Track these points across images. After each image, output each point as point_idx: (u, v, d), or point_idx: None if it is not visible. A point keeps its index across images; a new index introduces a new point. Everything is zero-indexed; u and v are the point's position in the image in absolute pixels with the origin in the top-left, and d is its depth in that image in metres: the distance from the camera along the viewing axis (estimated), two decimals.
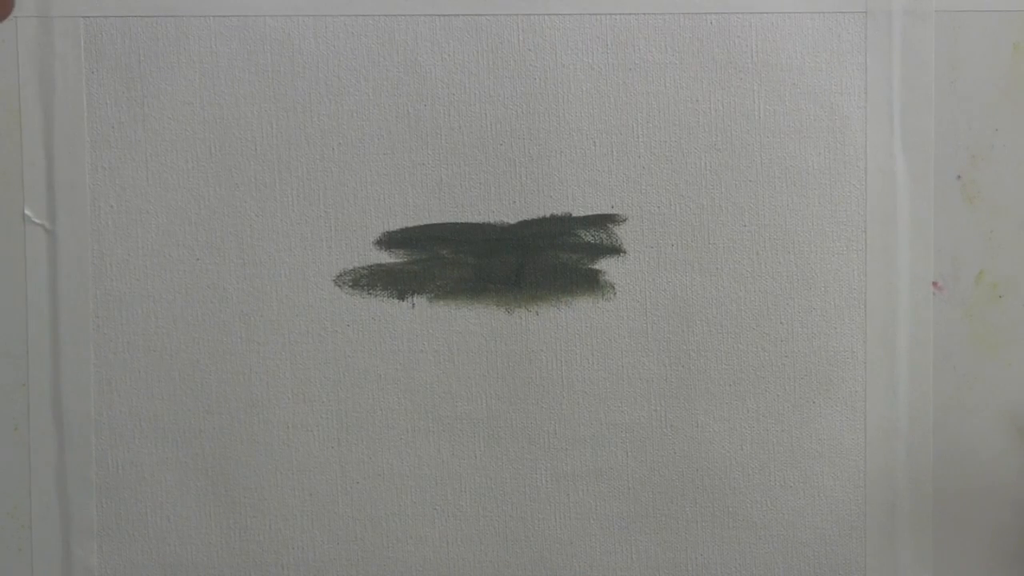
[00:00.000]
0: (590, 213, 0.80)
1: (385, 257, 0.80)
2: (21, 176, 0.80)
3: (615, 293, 0.80)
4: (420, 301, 0.80)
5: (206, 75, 0.79)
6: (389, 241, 0.80)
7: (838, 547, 0.81)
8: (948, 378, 0.81)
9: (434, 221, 0.80)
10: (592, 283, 0.80)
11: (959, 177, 0.80)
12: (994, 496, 0.81)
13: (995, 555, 0.82)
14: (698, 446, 0.81)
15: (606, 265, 0.80)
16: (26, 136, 0.79)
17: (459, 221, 0.80)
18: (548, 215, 0.80)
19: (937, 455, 0.81)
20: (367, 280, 0.80)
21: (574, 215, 0.80)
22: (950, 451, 0.81)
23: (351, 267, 0.80)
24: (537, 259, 0.80)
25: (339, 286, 0.80)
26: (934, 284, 0.80)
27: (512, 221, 0.80)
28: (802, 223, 0.80)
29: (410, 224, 0.80)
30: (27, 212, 0.80)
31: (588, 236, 0.80)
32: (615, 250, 0.80)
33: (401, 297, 0.80)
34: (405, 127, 0.80)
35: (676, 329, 0.81)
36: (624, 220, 0.80)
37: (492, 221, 0.80)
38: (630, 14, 0.79)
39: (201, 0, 0.79)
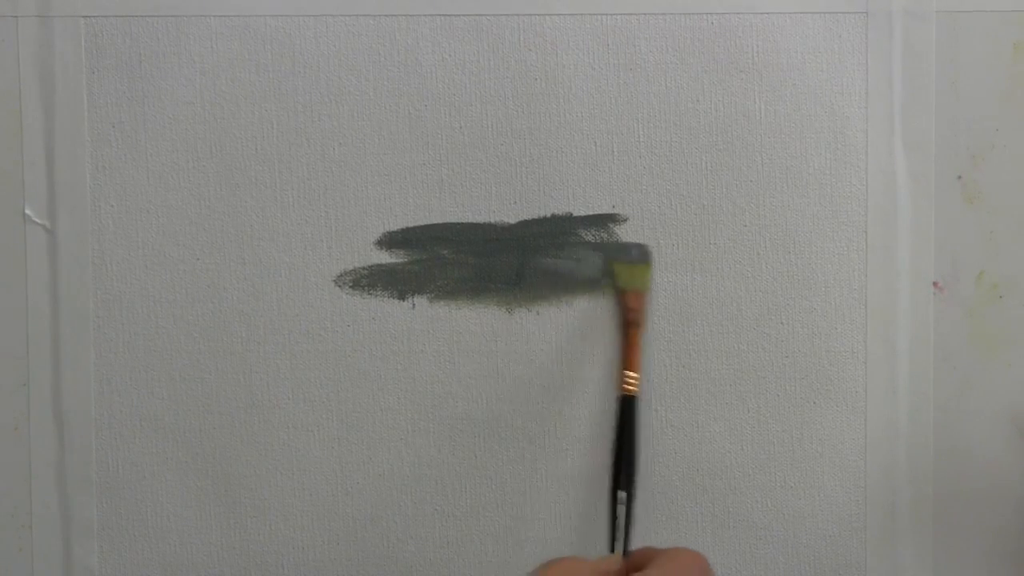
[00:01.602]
0: (591, 213, 0.80)
1: (385, 257, 0.80)
2: (22, 176, 0.80)
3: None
4: (420, 301, 0.80)
5: (206, 75, 0.79)
6: (389, 241, 0.80)
7: (838, 547, 0.81)
8: (948, 378, 0.81)
9: (434, 221, 0.80)
10: (592, 283, 0.80)
11: (959, 177, 0.80)
12: (994, 496, 0.81)
13: (995, 555, 0.82)
14: (698, 446, 0.81)
15: None
16: (26, 136, 0.79)
17: (459, 221, 0.80)
18: (549, 215, 0.80)
19: (937, 455, 0.81)
20: (367, 280, 0.80)
21: (575, 215, 0.80)
22: (950, 451, 0.81)
23: (351, 267, 0.80)
24: (537, 259, 0.80)
25: (339, 286, 0.80)
26: (934, 284, 0.80)
27: (512, 221, 0.80)
28: (802, 223, 0.80)
29: (410, 224, 0.80)
30: (27, 212, 0.80)
31: (589, 236, 0.80)
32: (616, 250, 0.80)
33: (401, 297, 0.80)
34: (405, 127, 0.80)
35: (676, 329, 0.81)
36: (625, 220, 0.80)
37: (492, 221, 0.80)
38: (630, 14, 0.79)
39: (201, 0, 0.79)
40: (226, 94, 0.80)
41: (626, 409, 0.77)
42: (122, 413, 0.81)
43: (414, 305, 0.80)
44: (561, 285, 0.80)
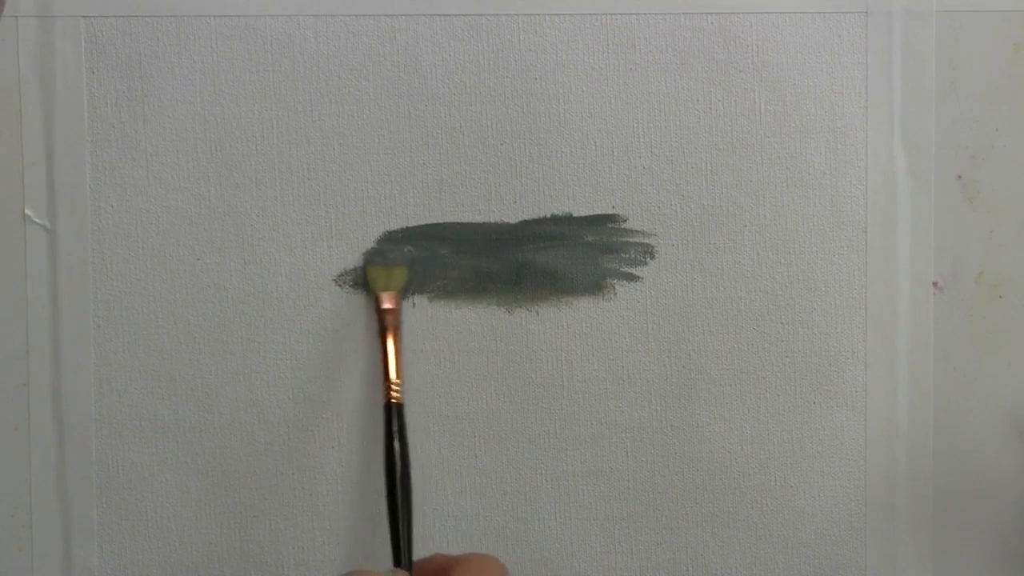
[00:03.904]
0: (591, 213, 0.80)
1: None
2: (21, 176, 0.80)
3: (615, 293, 0.80)
4: (420, 301, 0.80)
5: (207, 75, 0.79)
6: (390, 241, 0.80)
7: (838, 547, 0.81)
8: (948, 378, 0.81)
9: (435, 221, 0.80)
10: (593, 283, 0.80)
11: (959, 177, 0.80)
12: (994, 496, 0.81)
13: (995, 555, 0.82)
14: (698, 446, 0.81)
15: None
16: (26, 136, 0.79)
17: (460, 221, 0.80)
18: (549, 215, 0.80)
19: (937, 455, 0.81)
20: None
21: (575, 215, 0.80)
22: (950, 451, 0.81)
23: (352, 267, 0.80)
24: (537, 259, 0.80)
25: (340, 285, 0.80)
26: (934, 284, 0.80)
27: (513, 221, 0.80)
28: (802, 223, 0.80)
29: (411, 224, 0.80)
30: (27, 212, 0.80)
31: (589, 236, 0.80)
32: (616, 250, 0.80)
33: (402, 297, 0.80)
34: (406, 127, 0.80)
35: (676, 329, 0.81)
36: (625, 220, 0.80)
37: (493, 221, 0.80)
38: (630, 14, 0.79)
39: (202, 0, 0.79)
40: (226, 94, 0.80)
41: (393, 417, 0.76)
42: (122, 413, 0.81)
43: (414, 305, 0.80)
44: (561, 285, 0.80)
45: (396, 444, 0.75)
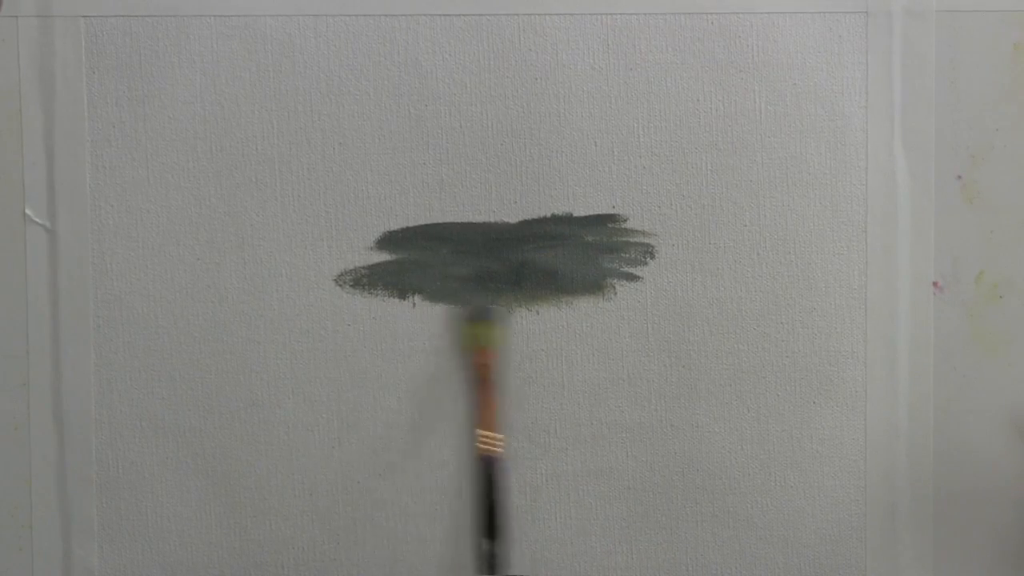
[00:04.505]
0: (591, 213, 0.80)
1: (386, 256, 0.80)
2: (22, 176, 0.80)
3: (615, 293, 0.80)
4: (421, 300, 0.80)
5: (207, 75, 0.79)
6: (390, 240, 0.80)
7: (838, 547, 0.81)
8: (948, 378, 0.81)
9: (435, 221, 0.80)
10: (593, 283, 0.80)
11: (959, 177, 0.80)
12: (994, 496, 0.81)
13: (995, 555, 0.82)
14: (698, 446, 0.81)
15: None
16: (27, 136, 0.79)
17: (460, 221, 0.80)
18: (549, 215, 0.80)
19: (937, 455, 0.81)
20: (368, 279, 0.80)
21: (575, 215, 0.80)
22: (950, 451, 0.81)
23: (352, 266, 0.80)
24: (537, 259, 0.80)
25: (340, 285, 0.80)
26: (934, 284, 0.80)
27: (513, 221, 0.80)
28: (803, 223, 0.80)
29: (411, 224, 0.80)
30: (28, 212, 0.80)
31: (589, 236, 0.80)
32: (616, 250, 0.80)
33: (402, 296, 0.80)
34: (406, 127, 0.80)
35: (676, 329, 0.81)
36: (625, 220, 0.80)
37: (493, 221, 0.80)
38: (630, 14, 0.79)
39: (202, 0, 0.79)
40: (226, 94, 0.80)
41: (484, 471, 0.77)
42: (122, 413, 0.81)
43: (415, 304, 0.80)
44: (561, 285, 0.80)
45: (495, 500, 0.76)
